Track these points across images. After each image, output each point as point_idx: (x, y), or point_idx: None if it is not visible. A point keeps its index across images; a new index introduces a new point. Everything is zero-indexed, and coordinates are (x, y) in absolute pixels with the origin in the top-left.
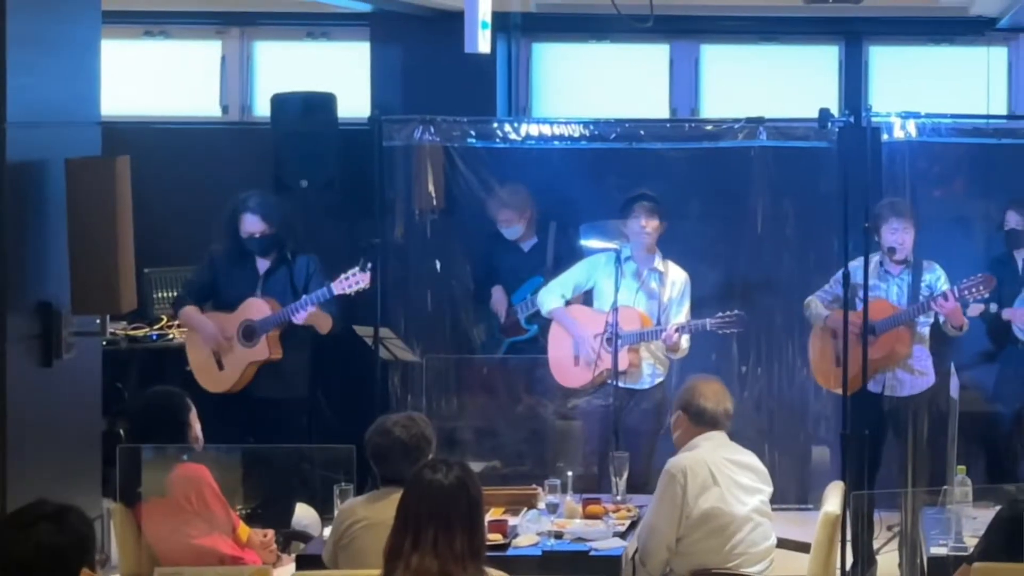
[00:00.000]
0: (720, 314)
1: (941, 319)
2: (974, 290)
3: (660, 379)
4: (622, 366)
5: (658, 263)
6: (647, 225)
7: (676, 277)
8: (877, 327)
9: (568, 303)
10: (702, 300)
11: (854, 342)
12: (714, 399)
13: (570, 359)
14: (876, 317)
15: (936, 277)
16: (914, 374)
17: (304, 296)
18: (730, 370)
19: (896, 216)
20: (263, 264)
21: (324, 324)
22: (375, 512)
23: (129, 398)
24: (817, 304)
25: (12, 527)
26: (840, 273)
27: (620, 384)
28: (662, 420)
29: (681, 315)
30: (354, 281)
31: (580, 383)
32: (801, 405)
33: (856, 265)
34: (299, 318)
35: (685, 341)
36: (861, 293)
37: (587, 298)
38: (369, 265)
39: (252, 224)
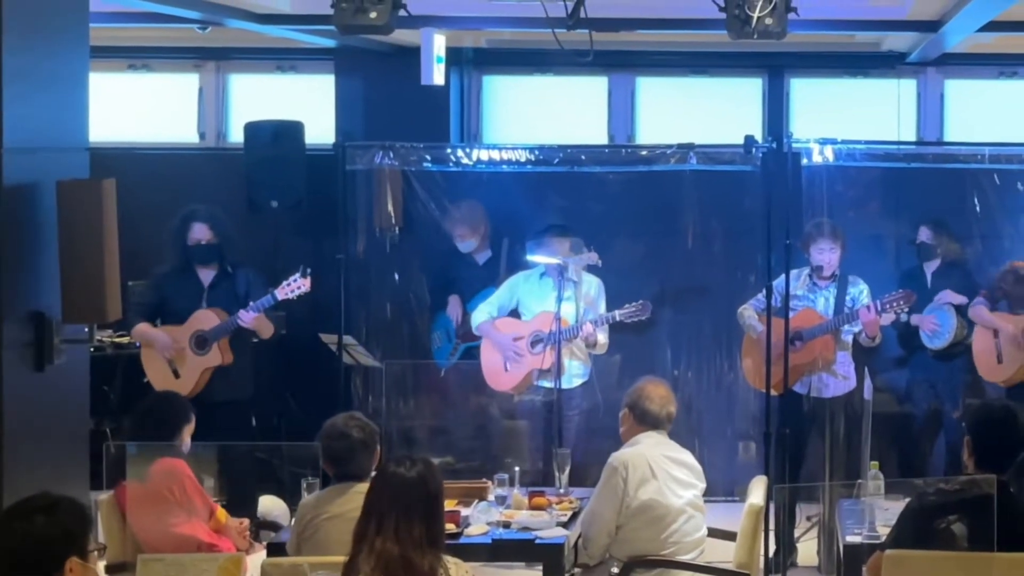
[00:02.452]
0: (627, 305)
1: (857, 329)
2: (895, 304)
3: (585, 379)
4: (545, 364)
5: (572, 274)
6: (560, 248)
7: (589, 283)
8: (805, 334)
9: (496, 319)
10: None
11: (782, 349)
12: (659, 403)
13: (500, 366)
14: (804, 325)
15: (860, 291)
16: (838, 378)
17: (251, 303)
18: (664, 374)
19: (824, 237)
20: (206, 277)
21: (266, 330)
22: (337, 506)
23: (122, 397)
24: (752, 314)
25: (5, 518)
26: (773, 283)
27: (545, 383)
28: (591, 418)
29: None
30: (296, 286)
31: (510, 386)
32: (728, 406)
33: (782, 281)
34: (246, 320)
35: (603, 336)
36: (792, 303)
37: (516, 315)
38: (309, 271)
39: (200, 232)
